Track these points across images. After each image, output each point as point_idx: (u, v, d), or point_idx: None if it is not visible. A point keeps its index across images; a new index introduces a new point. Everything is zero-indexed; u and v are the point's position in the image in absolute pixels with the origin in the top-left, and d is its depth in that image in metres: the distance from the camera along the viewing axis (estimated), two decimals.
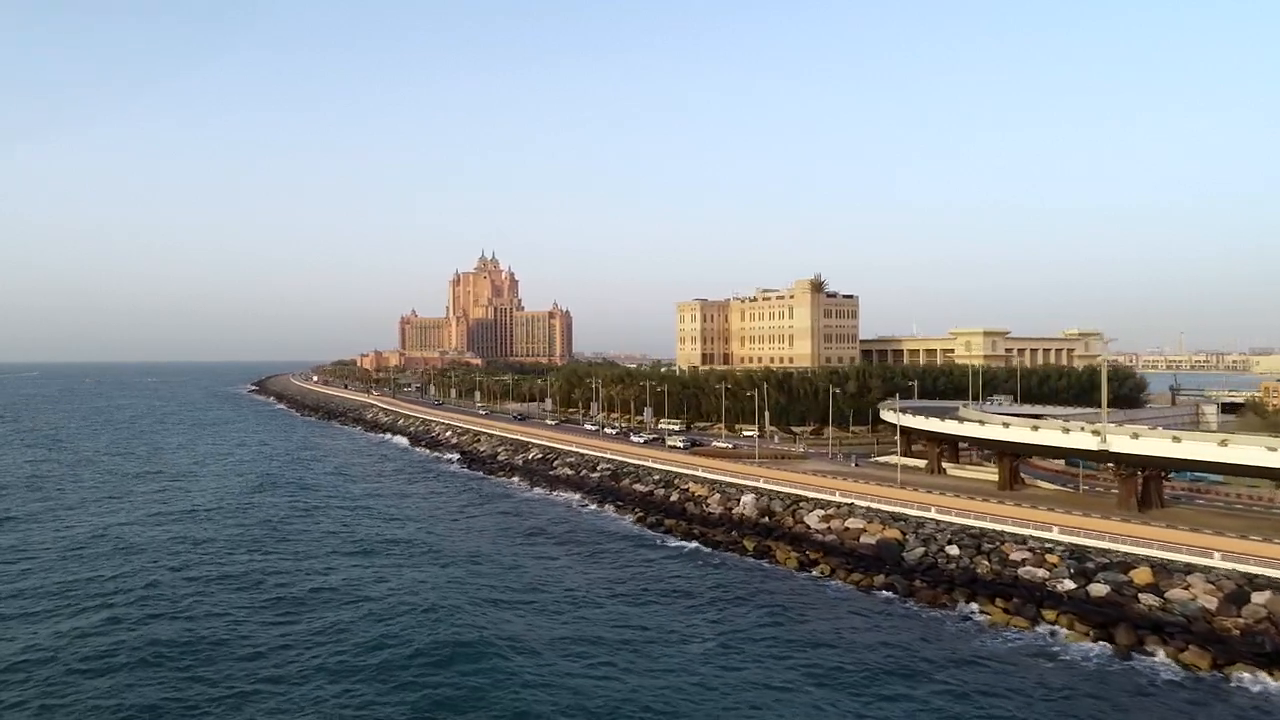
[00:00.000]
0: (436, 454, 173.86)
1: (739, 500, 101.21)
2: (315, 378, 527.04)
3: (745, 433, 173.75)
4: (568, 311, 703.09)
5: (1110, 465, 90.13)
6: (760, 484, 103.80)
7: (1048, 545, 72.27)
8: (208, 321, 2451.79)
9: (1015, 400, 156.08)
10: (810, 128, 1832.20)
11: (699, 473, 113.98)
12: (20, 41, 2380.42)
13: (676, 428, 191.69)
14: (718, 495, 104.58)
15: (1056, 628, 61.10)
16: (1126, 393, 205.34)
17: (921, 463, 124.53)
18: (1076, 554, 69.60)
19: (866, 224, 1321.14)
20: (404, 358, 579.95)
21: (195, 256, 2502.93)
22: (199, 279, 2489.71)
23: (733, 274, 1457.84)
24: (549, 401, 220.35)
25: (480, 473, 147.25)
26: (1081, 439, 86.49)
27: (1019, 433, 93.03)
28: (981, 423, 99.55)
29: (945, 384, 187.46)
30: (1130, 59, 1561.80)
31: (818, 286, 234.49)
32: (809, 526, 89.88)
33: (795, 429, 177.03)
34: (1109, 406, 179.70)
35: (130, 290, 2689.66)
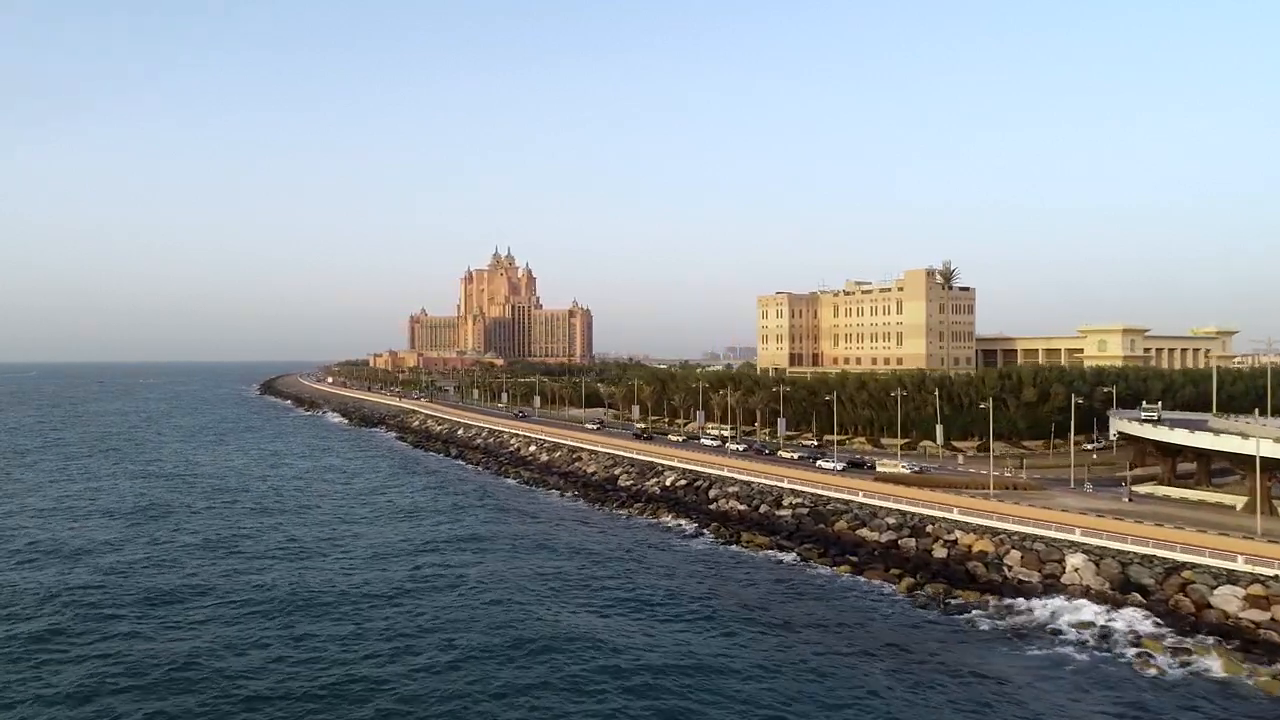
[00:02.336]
0: (540, 480, 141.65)
1: (1061, 563, 71.00)
2: (330, 379, 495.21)
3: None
4: (588, 310, 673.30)
5: None
6: (1075, 535, 73.61)
7: None
8: (207, 321, 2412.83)
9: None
10: (810, 128, 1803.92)
11: (954, 515, 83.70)
12: (20, 41, 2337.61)
13: (726, 433, 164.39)
14: (1017, 553, 74.23)
15: None
16: None
17: (1211, 496, 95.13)
18: None
19: (866, 224, 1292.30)
20: (422, 358, 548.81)
21: (195, 256, 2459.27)
22: (199, 279, 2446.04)
23: (734, 274, 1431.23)
24: (635, 409, 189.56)
25: (613, 509, 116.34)
26: None
27: None
28: None
29: (1123, 390, 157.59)
30: (1130, 59, 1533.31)
31: (946, 276, 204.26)
32: (1228, 614, 59.73)
33: (958, 444, 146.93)
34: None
35: (130, 290, 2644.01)
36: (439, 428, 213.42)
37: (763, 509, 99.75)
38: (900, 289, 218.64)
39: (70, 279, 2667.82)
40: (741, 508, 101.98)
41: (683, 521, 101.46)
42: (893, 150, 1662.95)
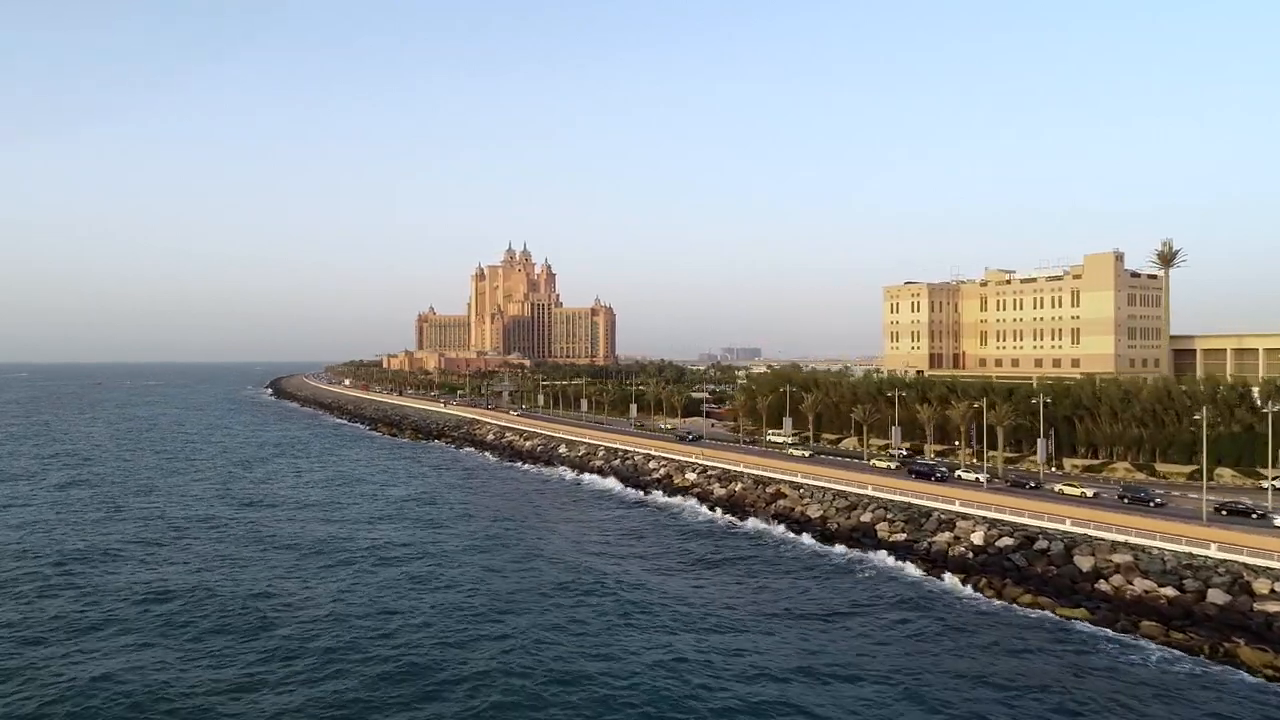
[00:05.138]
0: (779, 525, 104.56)
1: None
2: (347, 381, 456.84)
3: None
4: (610, 308, 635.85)
5: None
6: None
7: None
8: (201, 321, 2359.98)
9: None
10: (831, 131, 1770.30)
11: None
12: (21, 41, 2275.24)
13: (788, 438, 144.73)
14: None
15: None
16: None
17: None
18: None
19: (866, 227, 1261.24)
20: (444, 359, 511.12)
21: (193, 256, 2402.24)
22: (196, 278, 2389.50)
23: (734, 273, 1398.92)
24: (786, 422, 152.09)
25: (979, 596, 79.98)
26: None
27: None
28: None
29: None
30: (1128, 62, 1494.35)
31: (1167, 260, 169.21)
32: None
33: (1263, 472, 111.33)
34: None
35: (121, 291, 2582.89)
36: (527, 444, 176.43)
37: (1213, 597, 63.63)
38: (1077, 277, 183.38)
39: (68, 279, 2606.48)
40: (1168, 592, 65.71)
41: (1071, 614, 65.26)
42: (888, 153, 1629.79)
